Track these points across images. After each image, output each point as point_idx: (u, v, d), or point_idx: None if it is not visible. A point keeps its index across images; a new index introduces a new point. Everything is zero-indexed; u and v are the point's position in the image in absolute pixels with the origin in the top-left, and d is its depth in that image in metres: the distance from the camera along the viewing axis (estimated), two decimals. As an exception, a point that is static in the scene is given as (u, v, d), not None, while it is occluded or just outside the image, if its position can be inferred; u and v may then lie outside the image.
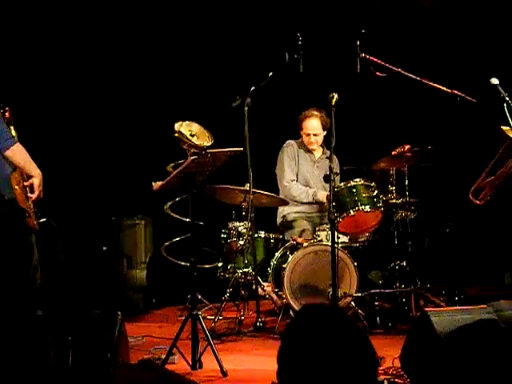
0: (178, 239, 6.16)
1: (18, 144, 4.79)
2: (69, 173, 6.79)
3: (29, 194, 4.84)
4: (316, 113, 6.29)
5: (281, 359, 1.96)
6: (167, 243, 6.34)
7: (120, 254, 6.68)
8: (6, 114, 4.94)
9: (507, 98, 4.62)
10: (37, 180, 4.84)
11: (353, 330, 1.97)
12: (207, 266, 6.18)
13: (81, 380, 3.31)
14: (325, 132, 6.35)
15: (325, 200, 6.25)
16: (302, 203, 6.38)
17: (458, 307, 5.04)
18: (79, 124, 6.93)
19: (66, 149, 6.83)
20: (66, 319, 3.96)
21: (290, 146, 6.48)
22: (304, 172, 6.48)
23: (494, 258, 6.56)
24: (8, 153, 4.74)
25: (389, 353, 4.68)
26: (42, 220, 4.92)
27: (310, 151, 6.50)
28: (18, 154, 4.78)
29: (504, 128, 4.81)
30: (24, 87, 6.42)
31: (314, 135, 6.38)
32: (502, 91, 4.68)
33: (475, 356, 1.96)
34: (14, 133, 4.87)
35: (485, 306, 4.09)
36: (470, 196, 5.51)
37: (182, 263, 6.06)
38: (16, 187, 4.78)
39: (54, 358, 3.43)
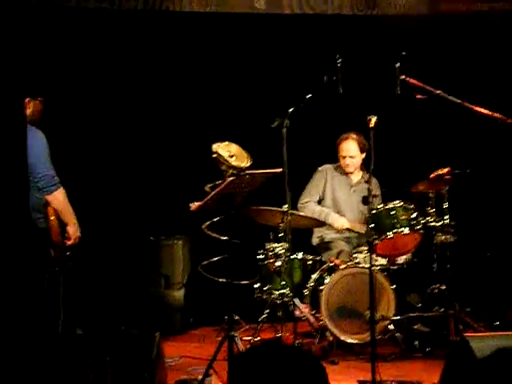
0: (216, 259, 6.15)
1: (61, 189, 4.79)
2: (108, 193, 6.85)
3: (67, 241, 4.86)
4: (353, 135, 6.30)
5: None
6: (205, 262, 6.34)
7: (158, 273, 6.71)
8: (38, 103, 4.91)
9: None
10: (71, 229, 4.85)
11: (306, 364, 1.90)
12: (245, 282, 6.15)
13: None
14: (363, 155, 6.34)
15: (337, 226, 6.26)
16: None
17: (498, 332, 4.97)
18: (118, 143, 6.99)
19: (106, 168, 6.89)
20: (105, 339, 3.98)
21: (322, 171, 6.51)
22: (338, 196, 6.47)
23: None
24: (49, 197, 4.74)
25: (427, 378, 4.65)
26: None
27: (347, 175, 6.49)
28: (59, 200, 4.79)
29: None
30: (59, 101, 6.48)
31: (351, 157, 6.38)
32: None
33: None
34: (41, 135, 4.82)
35: (526, 331, 4.03)
36: None
37: (220, 279, 6.04)
38: (52, 218, 4.78)
39: (93, 379, 3.44)
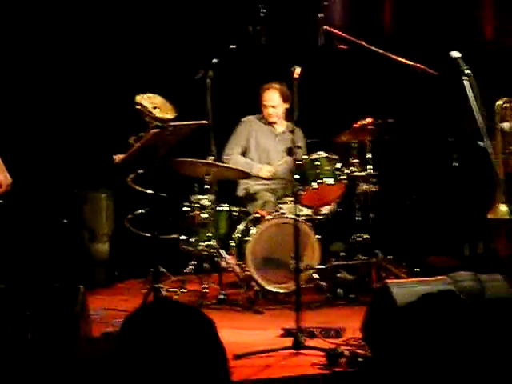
0: (141, 211, 6.12)
1: None
2: (29, 145, 6.70)
3: None
4: (275, 85, 6.29)
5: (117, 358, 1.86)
6: (130, 215, 6.30)
7: (82, 226, 6.64)
8: None
9: (467, 72, 4.64)
10: (1, 176, 4.75)
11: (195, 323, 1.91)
12: (171, 237, 6.14)
13: (41, 355, 3.30)
14: (286, 105, 6.35)
15: (263, 175, 6.29)
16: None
17: (418, 278, 5.10)
18: (38, 95, 6.83)
19: (25, 120, 6.73)
20: (26, 293, 3.93)
21: (246, 122, 6.49)
22: (264, 146, 6.48)
23: (454, 229, 6.65)
24: None
25: (350, 324, 4.74)
26: None
27: (271, 124, 6.50)
28: None
29: None
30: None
31: (272, 107, 6.38)
32: (462, 65, 4.70)
33: (434, 327, 1.99)
34: None
35: (444, 277, 4.15)
36: None
37: (146, 234, 6.02)
38: None
39: (13, 333, 3.41)
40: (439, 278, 4.16)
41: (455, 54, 4.79)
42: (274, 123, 6.49)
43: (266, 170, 6.34)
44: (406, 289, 4.01)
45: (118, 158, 5.41)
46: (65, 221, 6.49)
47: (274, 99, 6.35)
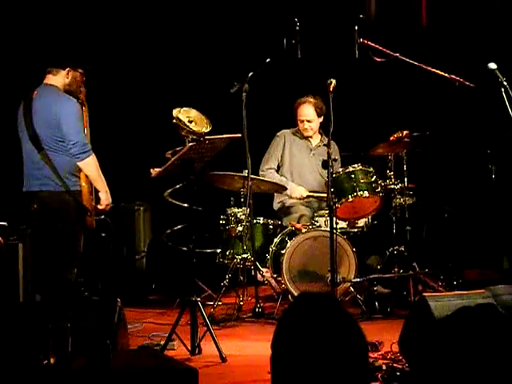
0: (179, 227, 6.15)
1: (93, 157, 4.85)
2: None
3: (98, 205, 4.94)
4: (310, 99, 6.29)
5: (275, 345, 1.96)
6: (168, 231, 6.33)
7: (119, 240, 6.68)
8: (78, 75, 4.96)
9: (505, 83, 4.61)
10: (103, 195, 4.92)
11: (345, 318, 1.98)
12: (208, 251, 6.16)
13: (80, 367, 3.33)
14: (320, 119, 6.35)
15: (295, 196, 6.27)
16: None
17: (456, 292, 5.05)
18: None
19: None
20: (65, 306, 3.97)
21: (281, 136, 6.49)
22: (298, 160, 6.48)
23: (492, 242, 6.58)
24: (80, 164, 4.82)
25: (387, 337, 4.71)
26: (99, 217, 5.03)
27: (306, 138, 6.50)
28: (90, 167, 4.86)
29: None
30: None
31: (308, 121, 6.38)
32: (500, 76, 4.67)
33: (472, 340, 1.97)
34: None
35: (483, 290, 4.11)
36: None
37: (183, 248, 6.04)
38: (83, 184, 4.85)
39: (53, 345, 3.44)
40: (478, 291, 4.12)
41: (492, 65, 4.76)
42: (310, 137, 6.49)
43: (298, 192, 6.32)
44: (443, 302, 3.97)
45: (154, 171, 5.44)
46: (103, 234, 6.54)
47: (309, 113, 6.35)
